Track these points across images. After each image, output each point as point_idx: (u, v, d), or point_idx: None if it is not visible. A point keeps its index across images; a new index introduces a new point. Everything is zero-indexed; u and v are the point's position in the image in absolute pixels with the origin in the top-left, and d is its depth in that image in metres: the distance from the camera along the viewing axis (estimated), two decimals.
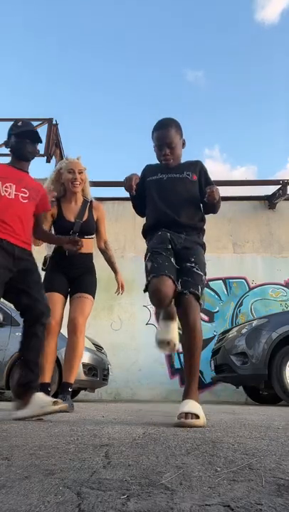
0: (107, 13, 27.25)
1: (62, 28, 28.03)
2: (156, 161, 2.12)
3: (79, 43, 30.47)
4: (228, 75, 29.97)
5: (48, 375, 2.52)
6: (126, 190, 1.97)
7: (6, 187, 2.02)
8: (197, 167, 2.09)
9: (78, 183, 2.79)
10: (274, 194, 7.82)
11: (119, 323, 6.97)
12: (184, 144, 2.10)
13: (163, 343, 1.85)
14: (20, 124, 2.16)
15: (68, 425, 1.57)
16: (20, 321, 2.03)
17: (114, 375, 5.80)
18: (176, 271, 1.83)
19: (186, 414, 1.54)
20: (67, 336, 2.66)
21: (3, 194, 2.01)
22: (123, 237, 7.44)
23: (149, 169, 2.13)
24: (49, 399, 1.83)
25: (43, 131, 8.13)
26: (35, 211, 2.19)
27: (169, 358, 6.83)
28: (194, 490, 0.62)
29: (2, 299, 2.07)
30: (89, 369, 4.42)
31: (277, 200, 7.77)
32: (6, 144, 2.18)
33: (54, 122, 8.11)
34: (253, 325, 4.33)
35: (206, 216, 2.09)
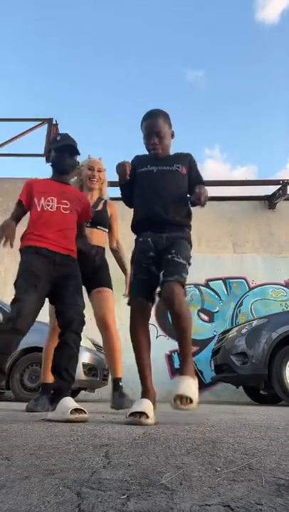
0: (107, 12, 27.27)
1: (62, 28, 28.05)
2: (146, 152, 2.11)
3: (79, 42, 30.49)
4: (228, 75, 29.99)
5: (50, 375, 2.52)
6: (119, 175, 1.98)
7: (48, 201, 2.12)
8: (186, 160, 2.07)
9: (96, 180, 2.88)
10: (274, 194, 7.82)
11: (119, 324, 6.93)
12: (172, 135, 2.10)
13: (135, 416, 1.64)
14: (58, 138, 2.24)
15: (68, 425, 1.57)
16: None
17: None
18: (151, 285, 1.92)
19: (182, 398, 1.58)
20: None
21: (45, 209, 2.11)
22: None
23: (138, 160, 2.12)
24: (71, 405, 1.76)
25: (42, 132, 8.15)
26: (77, 220, 2.24)
27: (169, 358, 6.83)
28: (194, 490, 0.62)
29: None
30: (89, 369, 4.42)
31: (277, 200, 7.77)
32: (47, 159, 2.27)
33: (54, 122, 8.12)
34: (253, 325, 4.33)
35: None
